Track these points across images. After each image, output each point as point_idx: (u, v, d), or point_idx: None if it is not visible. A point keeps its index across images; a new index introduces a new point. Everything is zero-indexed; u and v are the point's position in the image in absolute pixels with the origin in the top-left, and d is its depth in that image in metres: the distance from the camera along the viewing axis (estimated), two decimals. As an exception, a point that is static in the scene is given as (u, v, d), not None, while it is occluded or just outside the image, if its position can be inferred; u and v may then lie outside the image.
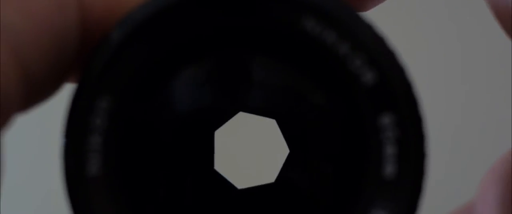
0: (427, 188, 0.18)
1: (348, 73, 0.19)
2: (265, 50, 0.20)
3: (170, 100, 0.21)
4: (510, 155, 0.24)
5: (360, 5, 0.24)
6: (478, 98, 0.74)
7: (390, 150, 0.19)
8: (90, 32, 0.19)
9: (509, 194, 0.23)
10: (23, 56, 0.17)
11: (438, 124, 0.71)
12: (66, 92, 0.19)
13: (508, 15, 0.21)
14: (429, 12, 0.76)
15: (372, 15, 0.25)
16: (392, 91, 0.18)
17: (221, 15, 0.19)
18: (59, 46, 0.18)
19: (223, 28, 0.19)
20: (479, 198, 0.24)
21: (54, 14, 0.18)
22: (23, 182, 0.70)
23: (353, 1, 0.24)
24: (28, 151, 0.72)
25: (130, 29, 0.19)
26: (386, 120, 0.19)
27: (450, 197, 0.46)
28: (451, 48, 0.75)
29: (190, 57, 0.20)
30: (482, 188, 0.24)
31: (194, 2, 0.19)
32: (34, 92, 0.18)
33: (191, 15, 0.19)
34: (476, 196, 0.24)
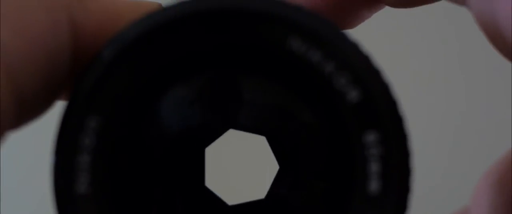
0: (426, 192, 0.19)
1: (333, 91, 0.19)
2: (252, 69, 0.20)
3: (160, 118, 0.21)
4: (505, 158, 0.24)
5: (347, 23, 0.24)
6: (478, 99, 0.73)
7: (374, 167, 0.19)
8: (82, 50, 0.19)
9: (503, 198, 0.24)
10: (16, 75, 0.18)
11: (437, 126, 0.71)
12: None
13: (494, 30, 0.21)
14: (429, 12, 0.76)
15: (373, 16, 0.25)
16: (376, 109, 0.19)
17: (209, 34, 0.19)
18: (51, 64, 0.19)
19: (212, 47, 0.19)
20: (474, 202, 0.24)
21: (47, 33, 0.18)
22: (20, 187, 0.70)
23: (340, 19, 0.24)
24: (26, 154, 0.71)
25: (120, 47, 0.19)
26: (371, 137, 0.19)
27: (449, 201, 0.46)
28: (451, 48, 0.75)
29: (180, 76, 0.20)
30: (477, 192, 0.24)
31: (184, 22, 0.19)
32: (27, 110, 0.19)
33: (181, 35, 0.19)
34: (471, 200, 0.25)
